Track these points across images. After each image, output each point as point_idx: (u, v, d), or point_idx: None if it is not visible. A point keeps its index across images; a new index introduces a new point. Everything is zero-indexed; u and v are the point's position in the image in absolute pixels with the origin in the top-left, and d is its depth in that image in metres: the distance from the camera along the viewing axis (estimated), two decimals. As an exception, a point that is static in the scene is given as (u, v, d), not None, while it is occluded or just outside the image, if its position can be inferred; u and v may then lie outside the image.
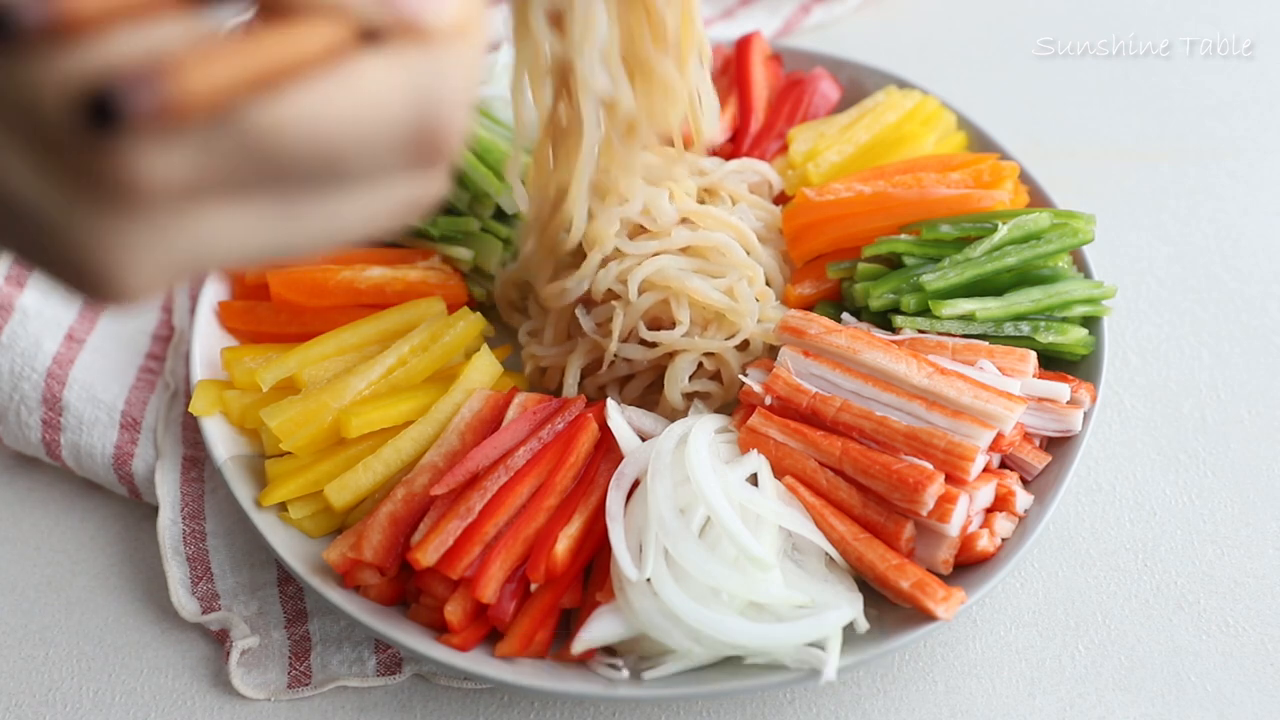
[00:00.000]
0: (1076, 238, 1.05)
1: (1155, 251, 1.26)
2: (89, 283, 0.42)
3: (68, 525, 1.11)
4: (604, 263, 1.06)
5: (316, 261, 1.14)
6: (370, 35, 0.44)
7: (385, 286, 1.12)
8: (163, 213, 0.41)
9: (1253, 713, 0.92)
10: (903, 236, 1.07)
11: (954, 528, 0.90)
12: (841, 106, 1.30)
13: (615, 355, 1.06)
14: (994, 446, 0.94)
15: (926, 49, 1.52)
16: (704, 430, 0.96)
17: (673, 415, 1.06)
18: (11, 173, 0.40)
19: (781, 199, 1.20)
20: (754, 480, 0.95)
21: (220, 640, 1.01)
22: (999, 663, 0.96)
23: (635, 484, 0.95)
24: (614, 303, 1.06)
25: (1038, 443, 0.99)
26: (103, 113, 0.38)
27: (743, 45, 1.31)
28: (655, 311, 1.06)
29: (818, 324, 1.02)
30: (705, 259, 1.06)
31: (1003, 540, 0.93)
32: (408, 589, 0.95)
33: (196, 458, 1.10)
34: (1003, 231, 1.04)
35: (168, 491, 1.07)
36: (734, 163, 1.17)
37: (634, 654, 0.90)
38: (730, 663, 0.88)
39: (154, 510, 1.09)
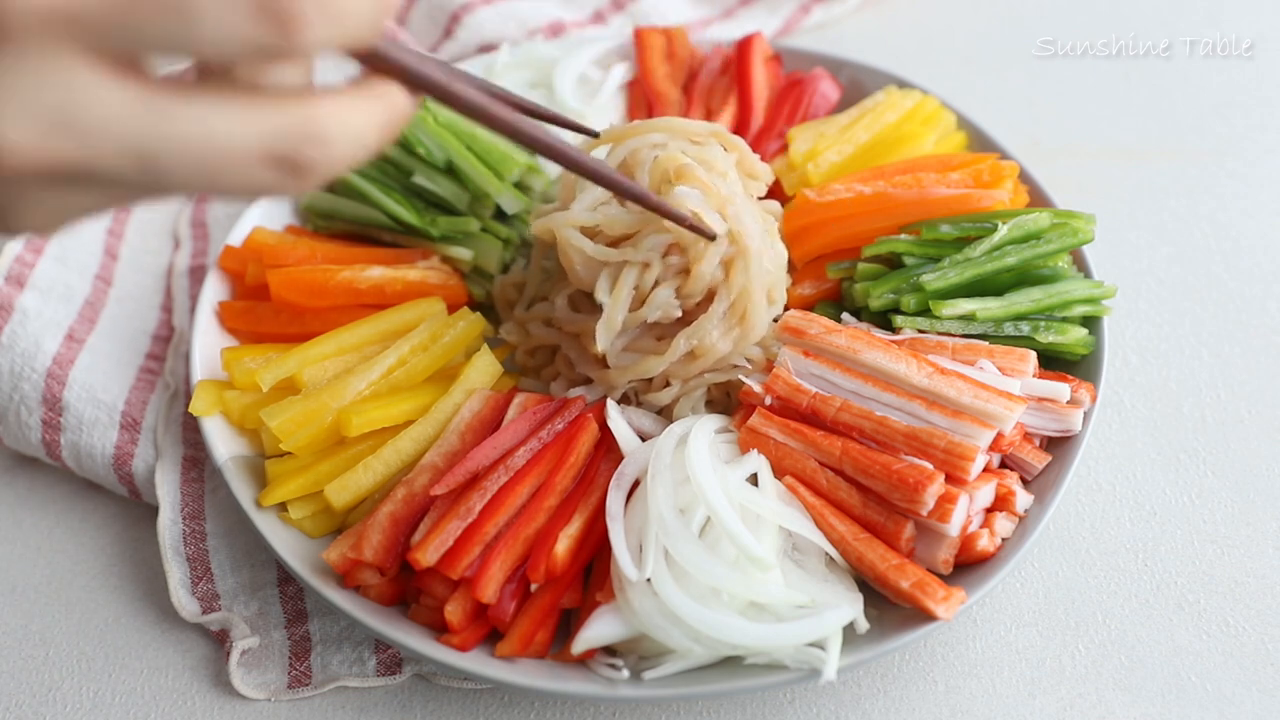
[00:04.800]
0: (1076, 238, 1.05)
1: (1155, 251, 1.26)
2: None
3: (68, 525, 1.11)
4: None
5: (316, 261, 1.14)
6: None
7: (385, 286, 1.12)
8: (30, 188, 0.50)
9: (1253, 713, 0.92)
10: (903, 236, 1.07)
11: (954, 528, 0.90)
12: (841, 106, 1.30)
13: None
14: (994, 446, 0.94)
15: (926, 49, 1.52)
16: (704, 430, 0.96)
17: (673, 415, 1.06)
18: None
19: (781, 199, 1.20)
20: (754, 480, 0.95)
21: (220, 640, 1.01)
22: (999, 663, 0.96)
23: (635, 484, 0.95)
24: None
25: (1038, 442, 0.99)
26: None
27: (743, 45, 1.31)
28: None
29: (818, 324, 1.02)
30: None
31: (1003, 540, 0.93)
32: (408, 589, 0.95)
33: (196, 458, 1.10)
34: (1003, 231, 1.04)
35: (168, 491, 1.07)
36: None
37: (634, 654, 0.90)
38: (730, 663, 0.88)
39: (154, 510, 1.09)
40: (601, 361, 1.05)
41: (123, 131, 0.48)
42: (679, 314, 1.02)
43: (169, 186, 0.50)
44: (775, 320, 1.08)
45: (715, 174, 1.02)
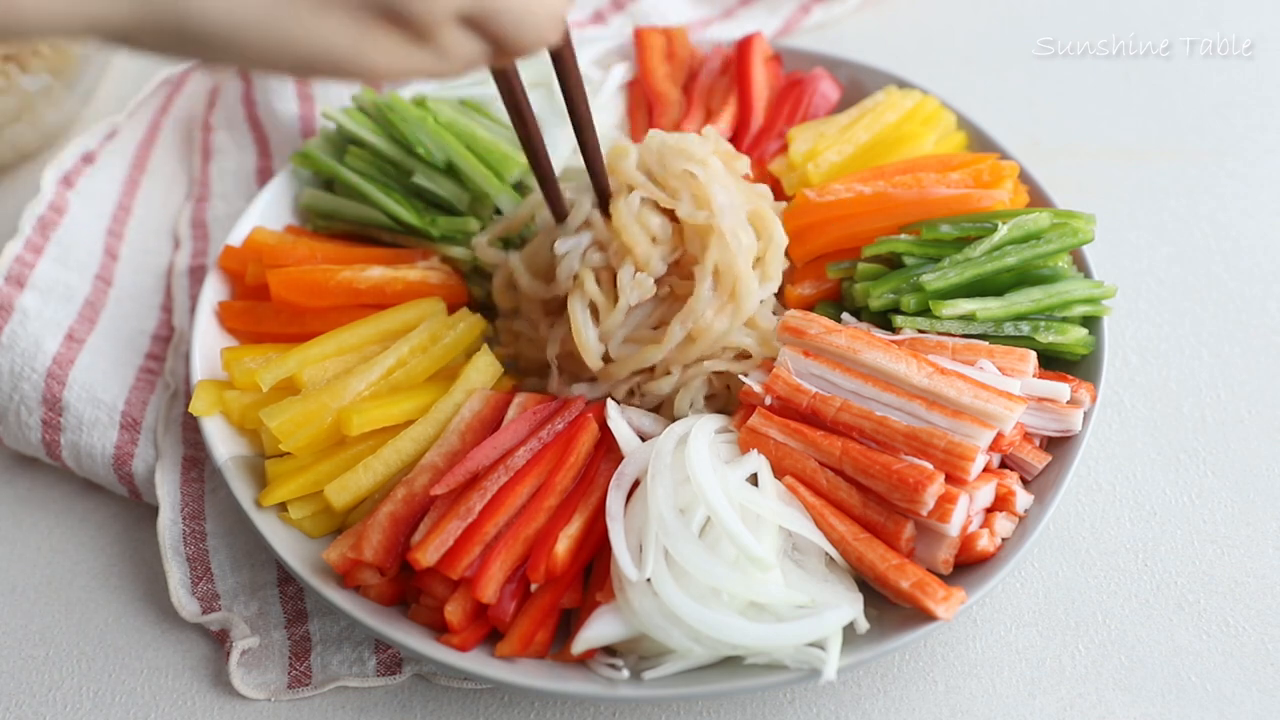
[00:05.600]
0: (1076, 238, 1.05)
1: (1155, 251, 1.26)
2: None
3: (68, 525, 1.11)
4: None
5: (316, 261, 1.14)
6: None
7: (385, 286, 1.12)
8: None
9: (1253, 713, 0.92)
10: (903, 236, 1.07)
11: (954, 528, 0.90)
12: (841, 106, 1.30)
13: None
14: (994, 446, 0.94)
15: (926, 49, 1.52)
16: (704, 430, 0.96)
17: (673, 415, 1.06)
18: None
19: (781, 199, 1.20)
20: (754, 480, 0.95)
21: (220, 640, 1.01)
22: (999, 663, 0.96)
23: (635, 484, 0.95)
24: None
25: (1038, 442, 0.99)
26: None
27: (743, 46, 1.31)
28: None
29: (818, 324, 1.02)
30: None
31: (1003, 540, 0.93)
32: (408, 589, 0.95)
33: (196, 458, 1.10)
34: (1003, 231, 1.04)
35: (168, 491, 1.07)
36: None
37: (634, 654, 0.90)
38: (730, 663, 0.88)
39: (154, 510, 1.09)
40: (603, 357, 1.06)
41: None
42: (653, 288, 1.03)
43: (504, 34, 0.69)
44: (778, 306, 1.09)
45: (694, 162, 1.04)
